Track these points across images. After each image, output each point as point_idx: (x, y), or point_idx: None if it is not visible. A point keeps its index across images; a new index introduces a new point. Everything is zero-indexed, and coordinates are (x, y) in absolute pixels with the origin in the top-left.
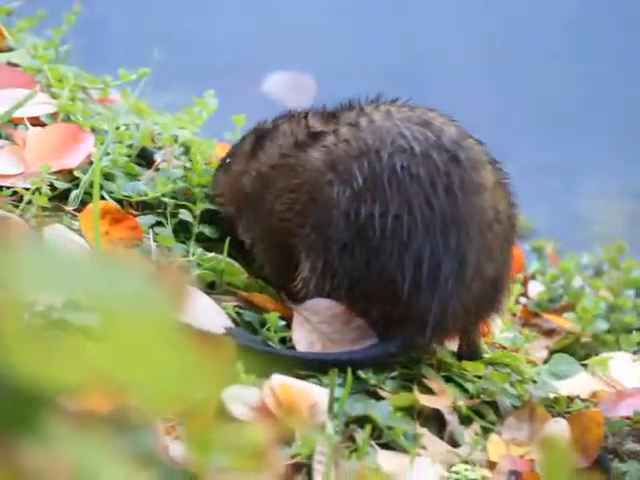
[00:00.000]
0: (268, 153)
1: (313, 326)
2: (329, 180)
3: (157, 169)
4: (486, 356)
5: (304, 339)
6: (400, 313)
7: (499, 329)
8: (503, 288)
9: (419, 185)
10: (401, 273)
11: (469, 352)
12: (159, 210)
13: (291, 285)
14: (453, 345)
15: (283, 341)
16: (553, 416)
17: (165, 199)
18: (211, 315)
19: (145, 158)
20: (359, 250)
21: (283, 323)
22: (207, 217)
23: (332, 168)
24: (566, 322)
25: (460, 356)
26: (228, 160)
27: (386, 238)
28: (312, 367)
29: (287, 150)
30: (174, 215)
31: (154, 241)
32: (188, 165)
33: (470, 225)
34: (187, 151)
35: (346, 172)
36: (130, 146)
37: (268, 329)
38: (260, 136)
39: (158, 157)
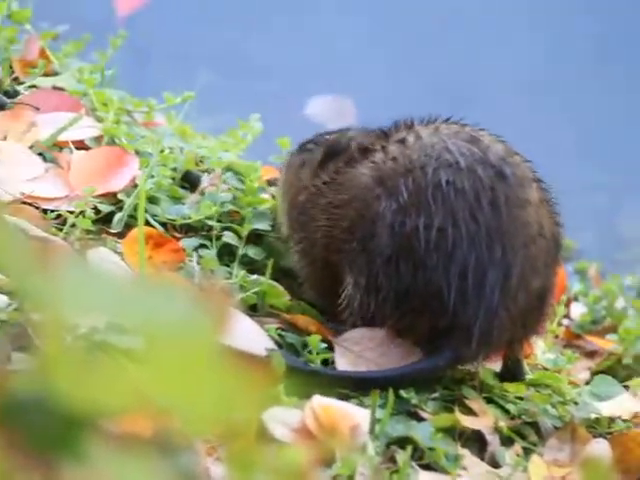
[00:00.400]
0: (327, 169)
1: (356, 354)
2: (377, 196)
3: (202, 193)
4: (528, 377)
5: (348, 366)
6: (447, 324)
7: (541, 350)
8: (548, 302)
9: (464, 199)
10: (447, 283)
11: (512, 372)
12: (203, 233)
13: (335, 306)
14: (496, 366)
15: (325, 363)
16: (594, 437)
17: (210, 222)
18: (253, 337)
19: (189, 181)
20: (404, 263)
21: (324, 345)
22: (252, 239)
23: (380, 184)
24: (608, 344)
25: (503, 376)
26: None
27: (430, 250)
28: (359, 386)
29: (339, 167)
30: (218, 238)
31: (197, 264)
32: (234, 188)
33: (514, 238)
34: (233, 174)
35: (393, 188)
36: (174, 169)
37: (310, 351)
38: (330, 152)
39: (205, 181)
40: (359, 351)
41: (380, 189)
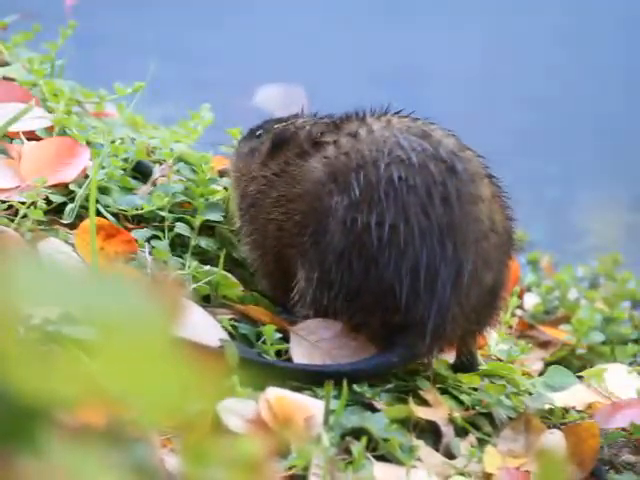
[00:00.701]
0: (276, 160)
1: (311, 344)
2: (329, 191)
3: (154, 184)
4: (482, 368)
5: (303, 356)
6: (399, 321)
7: (495, 341)
8: (500, 297)
9: (415, 195)
10: (399, 281)
11: (466, 364)
12: (155, 224)
13: (287, 298)
14: (449, 357)
15: (279, 354)
16: (549, 428)
17: (162, 212)
18: (206, 328)
19: (141, 172)
20: (356, 260)
21: (279, 336)
22: (204, 230)
23: (333, 180)
24: (562, 334)
25: (457, 368)
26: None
27: (383, 247)
28: (314, 380)
29: (289, 158)
30: (171, 229)
31: (150, 255)
32: (186, 178)
33: (466, 234)
34: (185, 164)
35: (345, 183)
36: (126, 160)
37: (264, 342)
38: (277, 142)
39: (157, 172)
40: (315, 341)
41: (332, 185)
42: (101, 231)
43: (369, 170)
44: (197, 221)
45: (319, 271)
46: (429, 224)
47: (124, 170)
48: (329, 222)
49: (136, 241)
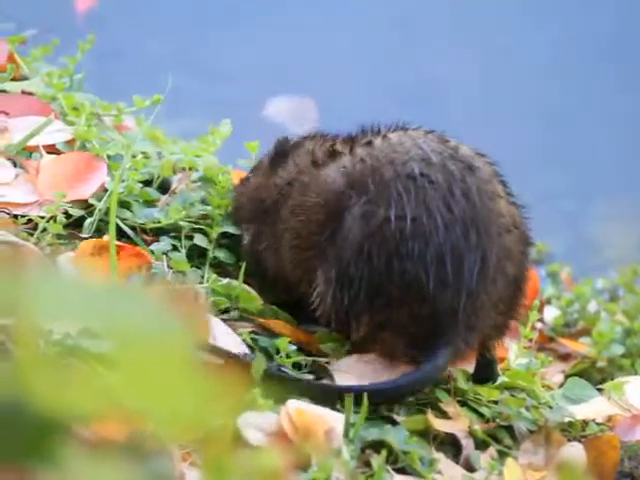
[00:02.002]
0: (287, 169)
1: (357, 377)
2: (348, 196)
3: (174, 193)
4: (502, 379)
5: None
6: (427, 312)
7: (514, 355)
8: (523, 290)
9: (436, 190)
10: (425, 270)
11: (485, 374)
12: (173, 234)
13: (307, 306)
14: (469, 368)
15: (297, 366)
16: (569, 440)
17: (180, 223)
18: (227, 341)
19: (162, 186)
20: (376, 254)
21: (294, 348)
22: (222, 242)
23: (351, 188)
24: (582, 347)
25: (475, 378)
26: (249, 173)
27: (405, 239)
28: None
29: (304, 167)
30: (189, 239)
31: (168, 267)
32: (205, 189)
33: (489, 226)
34: (204, 176)
35: (361, 185)
36: (146, 174)
37: (288, 355)
38: (280, 152)
39: (174, 182)
40: (357, 372)
41: (351, 191)
42: (103, 250)
43: (386, 169)
44: (214, 232)
45: (337, 268)
46: (452, 217)
47: (143, 183)
48: (346, 219)
49: (153, 253)
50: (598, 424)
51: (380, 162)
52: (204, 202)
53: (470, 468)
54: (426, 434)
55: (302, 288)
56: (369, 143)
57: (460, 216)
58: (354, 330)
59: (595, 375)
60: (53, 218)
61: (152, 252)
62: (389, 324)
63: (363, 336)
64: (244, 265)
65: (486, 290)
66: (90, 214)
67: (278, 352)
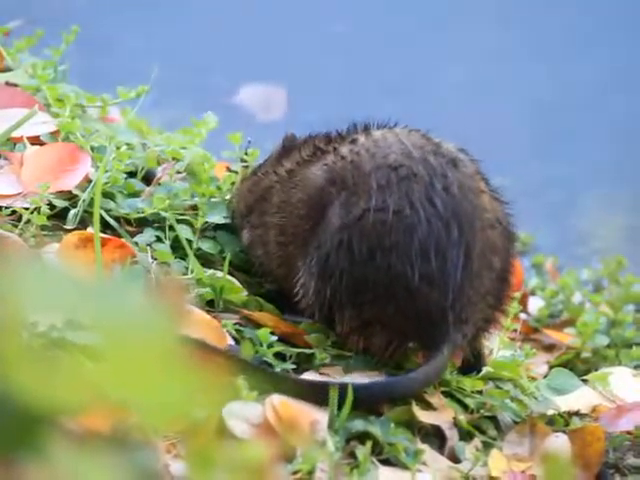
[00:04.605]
0: (284, 166)
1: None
2: (329, 192)
3: (158, 184)
4: (486, 370)
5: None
6: (416, 307)
7: (497, 348)
8: (510, 283)
9: (418, 183)
10: (410, 265)
11: (474, 364)
12: (157, 225)
13: (290, 297)
14: (455, 360)
15: (279, 356)
16: (554, 431)
17: (164, 214)
18: (211, 333)
19: (146, 177)
20: (357, 245)
21: (274, 338)
22: (207, 232)
23: (332, 184)
24: (566, 337)
25: (464, 368)
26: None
27: (387, 232)
28: (371, 401)
29: (292, 166)
30: (171, 228)
31: (152, 258)
32: (189, 180)
33: (472, 221)
34: (188, 167)
35: (342, 179)
36: (130, 164)
37: (269, 345)
38: (287, 148)
39: (159, 172)
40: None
41: (332, 187)
42: (89, 243)
43: (366, 161)
44: (198, 223)
45: (317, 258)
46: (434, 210)
47: (128, 174)
48: (327, 212)
49: (137, 245)
50: (583, 415)
51: (361, 156)
52: (189, 193)
53: (455, 459)
54: (411, 425)
55: (288, 282)
56: (353, 141)
57: (442, 210)
58: (338, 324)
59: (579, 366)
60: (37, 209)
61: (136, 244)
62: (376, 319)
63: (351, 331)
64: (228, 256)
65: (472, 284)
66: (74, 205)
67: (263, 344)
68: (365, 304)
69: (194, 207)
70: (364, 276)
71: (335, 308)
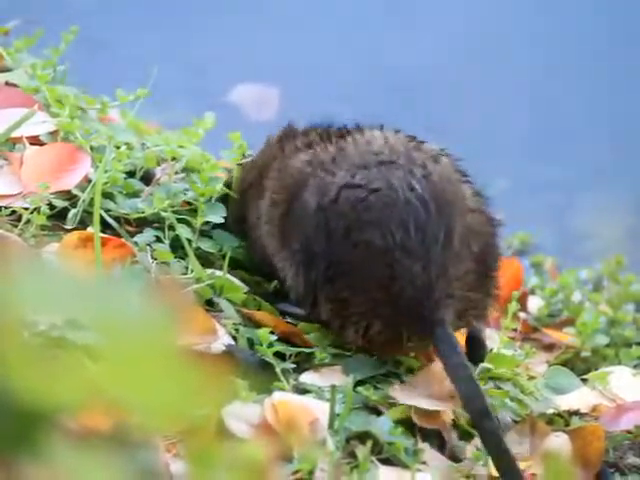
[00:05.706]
0: (275, 159)
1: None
2: (307, 172)
3: (157, 184)
4: (485, 366)
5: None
6: (403, 291)
7: (497, 347)
8: (493, 268)
9: (398, 169)
10: (392, 242)
11: (476, 353)
12: (157, 225)
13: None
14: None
15: (279, 356)
16: (554, 430)
17: (164, 214)
18: (211, 332)
19: (145, 178)
20: (334, 225)
21: (274, 338)
22: (206, 232)
23: (310, 165)
24: (566, 337)
25: (468, 351)
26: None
27: (367, 209)
28: None
29: (276, 154)
30: (171, 228)
31: (153, 258)
32: (188, 180)
33: (452, 205)
34: (187, 167)
35: (319, 162)
36: (129, 165)
37: (268, 345)
38: (284, 135)
39: (158, 172)
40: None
41: (309, 168)
42: (89, 242)
43: (348, 148)
44: (198, 222)
45: (296, 238)
46: (413, 193)
47: (127, 174)
48: (302, 193)
49: (136, 244)
50: (583, 414)
51: (342, 146)
52: (188, 192)
53: (455, 458)
54: (411, 425)
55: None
56: (341, 135)
57: (421, 192)
58: (322, 312)
59: (579, 365)
60: (37, 209)
61: (136, 244)
62: (361, 302)
63: (341, 323)
64: (228, 255)
65: (454, 264)
66: (74, 205)
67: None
68: (343, 285)
69: (190, 203)
70: (341, 253)
71: (319, 290)
